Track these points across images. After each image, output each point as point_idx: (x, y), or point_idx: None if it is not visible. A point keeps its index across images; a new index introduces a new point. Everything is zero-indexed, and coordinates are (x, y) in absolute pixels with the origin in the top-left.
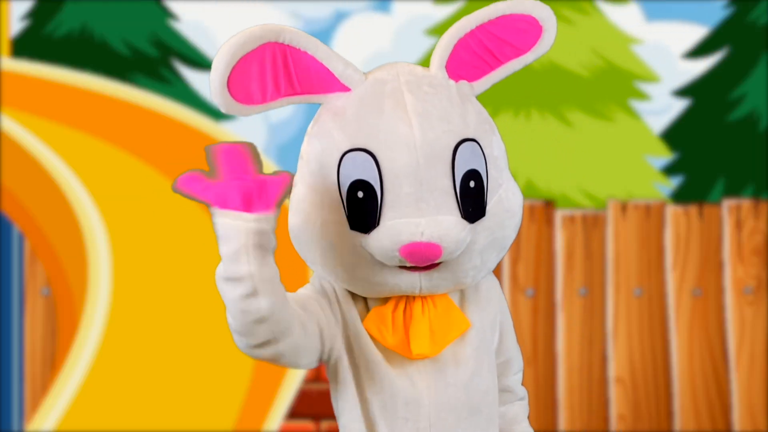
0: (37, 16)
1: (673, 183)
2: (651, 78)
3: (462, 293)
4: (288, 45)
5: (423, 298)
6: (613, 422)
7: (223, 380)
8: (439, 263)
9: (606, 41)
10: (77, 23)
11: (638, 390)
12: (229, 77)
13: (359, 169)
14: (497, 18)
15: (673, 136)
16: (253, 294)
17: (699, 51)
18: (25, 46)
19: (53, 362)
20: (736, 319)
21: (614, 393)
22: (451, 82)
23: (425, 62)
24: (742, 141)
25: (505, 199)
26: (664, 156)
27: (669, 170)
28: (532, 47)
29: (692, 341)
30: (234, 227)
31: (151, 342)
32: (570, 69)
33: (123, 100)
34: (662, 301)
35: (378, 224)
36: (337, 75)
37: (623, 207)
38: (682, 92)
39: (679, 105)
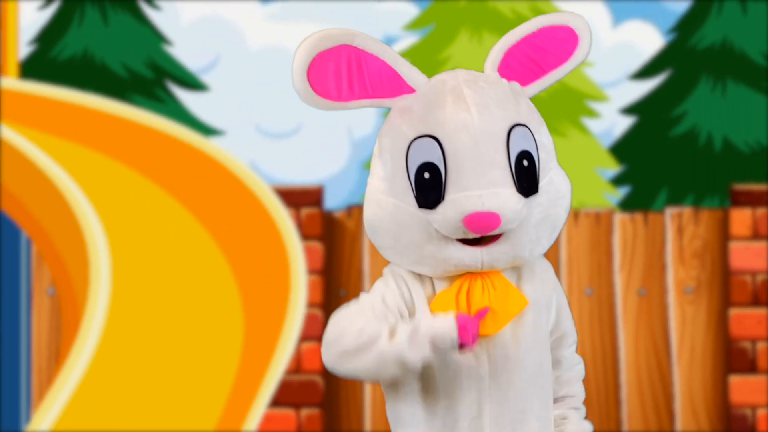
0: (43, 41)
1: (621, 193)
2: (600, 97)
3: (519, 274)
4: (361, 49)
5: (483, 279)
6: None
7: (211, 371)
8: (499, 236)
9: None
10: (80, 48)
11: (589, 381)
12: (308, 69)
13: (425, 152)
14: (539, 30)
15: (620, 150)
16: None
17: (644, 73)
18: (32, 68)
19: (58, 356)
20: (677, 316)
21: None
22: (504, 80)
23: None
24: (683, 155)
25: (556, 181)
26: (613, 168)
27: (617, 181)
28: (571, 56)
29: (638, 336)
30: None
31: (146, 337)
32: None
33: (121, 117)
34: (611, 300)
35: (443, 199)
36: (404, 77)
37: (575, 215)
38: (629, 110)
39: (626, 122)
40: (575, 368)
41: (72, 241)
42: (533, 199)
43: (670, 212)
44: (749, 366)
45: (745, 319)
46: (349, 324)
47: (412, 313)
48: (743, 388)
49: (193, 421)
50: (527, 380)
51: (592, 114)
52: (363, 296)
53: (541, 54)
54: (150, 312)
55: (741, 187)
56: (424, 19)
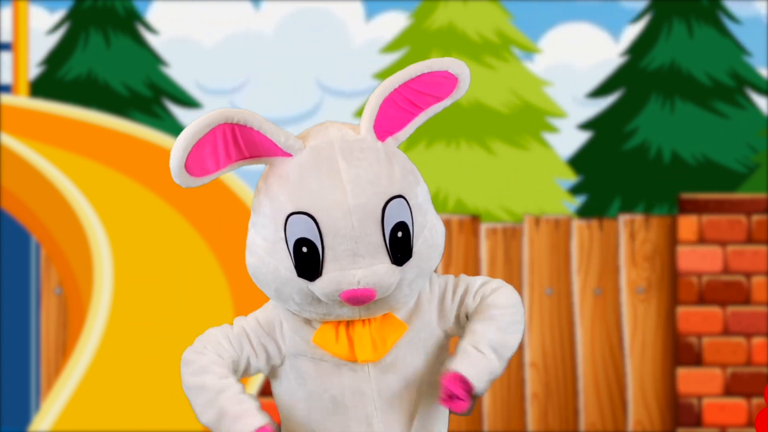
0: (51, 63)
1: (578, 201)
2: (559, 114)
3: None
4: (236, 123)
5: (361, 319)
6: (528, 399)
7: None
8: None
9: (522, 84)
10: (84, 69)
11: (549, 372)
12: (186, 161)
13: (302, 228)
14: (418, 76)
15: (577, 162)
16: None
17: (599, 92)
18: (41, 87)
19: (65, 350)
20: (630, 314)
21: (529, 375)
22: (379, 144)
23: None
24: (635, 166)
25: (429, 237)
26: (570, 179)
27: (574, 190)
28: (449, 95)
29: (593, 332)
30: None
31: (146, 332)
32: (492, 107)
33: (122, 132)
34: (569, 299)
35: (321, 274)
36: (279, 145)
37: (537, 221)
38: (585, 126)
39: (583, 136)
40: (484, 288)
41: (77, 245)
42: (408, 264)
43: (623, 219)
44: (695, 359)
45: (691, 317)
46: (194, 350)
47: (271, 345)
48: (690, 379)
49: (190, 408)
50: (412, 395)
51: (552, 129)
52: (236, 321)
53: (419, 97)
54: (149, 311)
55: (688, 196)
56: (398, 42)
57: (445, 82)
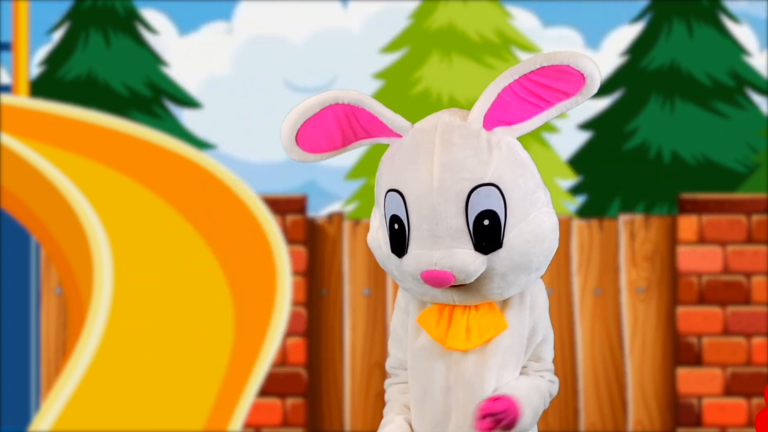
0: (51, 63)
1: (578, 201)
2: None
3: (507, 300)
4: (347, 104)
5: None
6: None
7: (205, 363)
8: (463, 284)
9: None
10: (84, 69)
11: None
12: (297, 136)
13: (395, 205)
14: (538, 69)
15: (577, 162)
16: None
17: (599, 91)
18: (41, 87)
19: (65, 350)
20: (630, 314)
21: None
22: (483, 131)
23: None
24: (635, 166)
25: (527, 232)
26: (571, 179)
27: (574, 190)
28: (578, 92)
29: (593, 332)
30: None
31: (145, 333)
32: None
33: (122, 132)
34: (569, 299)
35: (407, 251)
36: (387, 125)
37: None
38: (586, 126)
39: (583, 136)
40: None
41: (77, 245)
42: (496, 254)
43: (623, 219)
44: (695, 359)
45: (691, 317)
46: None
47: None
48: (690, 379)
49: (189, 407)
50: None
51: (552, 129)
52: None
53: (544, 89)
54: (149, 310)
55: (688, 196)
56: (398, 42)
57: (570, 77)
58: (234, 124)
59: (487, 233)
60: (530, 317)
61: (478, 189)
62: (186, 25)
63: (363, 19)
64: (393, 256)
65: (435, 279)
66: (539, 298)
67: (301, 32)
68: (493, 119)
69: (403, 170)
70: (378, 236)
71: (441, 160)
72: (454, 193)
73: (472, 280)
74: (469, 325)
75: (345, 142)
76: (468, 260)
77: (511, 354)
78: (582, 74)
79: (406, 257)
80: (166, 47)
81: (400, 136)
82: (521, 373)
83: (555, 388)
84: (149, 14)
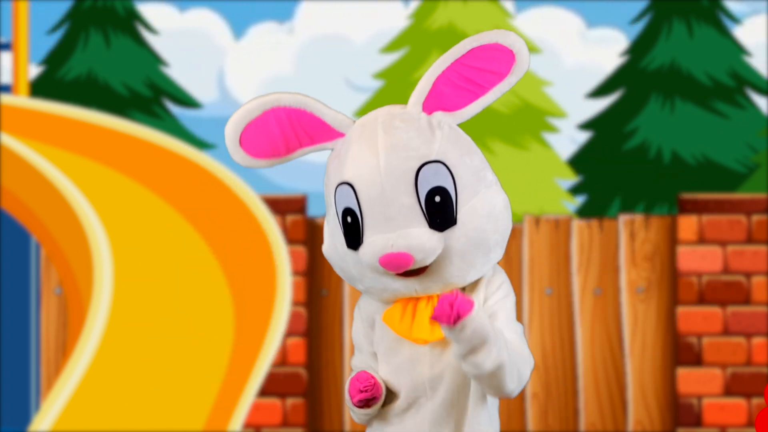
0: (51, 63)
1: (578, 201)
2: (559, 114)
3: (464, 288)
4: (289, 107)
5: (428, 295)
6: (528, 399)
7: (206, 362)
8: (425, 269)
9: (522, 84)
10: (84, 69)
11: (549, 372)
12: (240, 139)
13: (346, 198)
14: (468, 52)
15: (577, 162)
16: None
17: (599, 92)
18: (41, 87)
19: (65, 349)
20: (630, 313)
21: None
22: (423, 114)
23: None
24: (635, 166)
25: (480, 207)
26: (571, 179)
27: (574, 190)
28: (511, 69)
29: (593, 332)
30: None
31: (145, 333)
32: (492, 107)
33: (122, 132)
34: (569, 299)
35: (362, 242)
36: (330, 123)
37: (537, 221)
38: (586, 126)
39: (583, 136)
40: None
41: (77, 246)
42: (451, 231)
43: (623, 219)
44: (695, 359)
45: (691, 317)
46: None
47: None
48: (690, 379)
49: (189, 407)
50: (459, 383)
51: (552, 129)
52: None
53: (478, 73)
54: (149, 310)
55: (688, 196)
56: (399, 42)
57: (501, 56)
58: None
59: (439, 210)
60: (484, 296)
61: (426, 166)
62: (240, 26)
63: None
64: (350, 252)
65: (393, 262)
66: (496, 280)
67: (362, 31)
68: (432, 106)
69: (349, 162)
70: (334, 241)
71: (385, 144)
72: (401, 172)
73: (430, 260)
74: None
75: (288, 149)
76: (424, 238)
77: None
78: (511, 51)
79: (362, 247)
80: (223, 49)
81: (342, 134)
82: None
83: (521, 358)
84: (203, 14)
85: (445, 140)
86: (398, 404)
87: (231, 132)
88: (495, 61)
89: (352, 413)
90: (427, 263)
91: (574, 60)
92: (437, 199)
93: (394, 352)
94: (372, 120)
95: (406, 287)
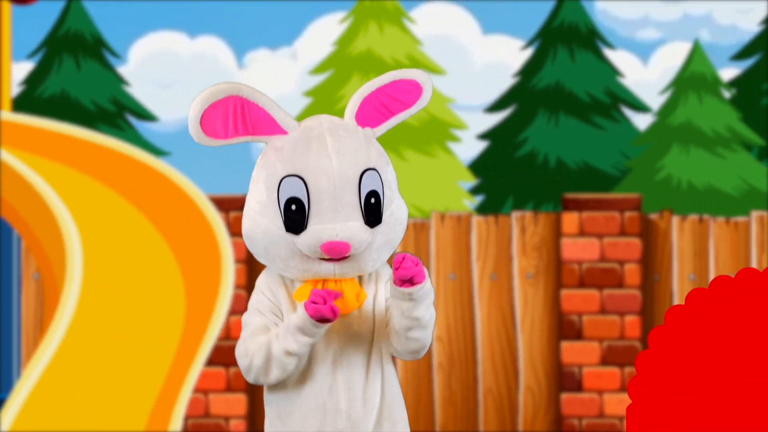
0: (30, 83)
1: (477, 200)
2: (461, 126)
3: (361, 276)
4: (245, 98)
5: (335, 279)
6: (435, 368)
7: (161, 336)
8: (348, 256)
9: (430, 101)
10: (59, 88)
11: (452, 345)
12: (201, 118)
13: (293, 189)
14: (391, 82)
15: (476, 167)
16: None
17: (495, 107)
18: (22, 103)
19: (42, 327)
20: (521, 295)
21: (435, 348)
22: (359, 128)
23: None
24: (525, 171)
25: (396, 211)
26: (471, 181)
27: (474, 191)
28: (415, 102)
29: (490, 311)
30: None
31: (111, 311)
32: (405, 121)
33: (91, 141)
34: (469, 283)
35: (306, 228)
36: (278, 121)
37: (442, 217)
38: (484, 136)
39: (481, 145)
40: None
41: (52, 237)
42: (377, 228)
43: (515, 215)
44: (576, 334)
45: (573, 298)
46: (244, 353)
47: (280, 310)
48: (572, 351)
49: (149, 370)
50: (367, 347)
51: (455, 139)
52: (246, 319)
53: (390, 101)
54: (114, 292)
55: (570, 195)
56: (324, 66)
57: (413, 90)
58: None
59: (373, 210)
60: (377, 284)
61: (367, 172)
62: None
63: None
64: (288, 235)
65: (335, 248)
66: (386, 270)
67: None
68: (359, 121)
69: (300, 158)
70: (263, 221)
71: (335, 148)
72: (350, 175)
73: (361, 250)
74: (345, 294)
75: (234, 134)
76: (361, 232)
77: (376, 316)
78: (421, 88)
79: (305, 233)
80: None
81: (285, 132)
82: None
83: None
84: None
85: (376, 152)
86: (310, 370)
87: (196, 108)
88: (407, 93)
89: (295, 344)
90: (359, 252)
91: (474, 79)
92: (372, 200)
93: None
94: (317, 125)
95: (327, 270)
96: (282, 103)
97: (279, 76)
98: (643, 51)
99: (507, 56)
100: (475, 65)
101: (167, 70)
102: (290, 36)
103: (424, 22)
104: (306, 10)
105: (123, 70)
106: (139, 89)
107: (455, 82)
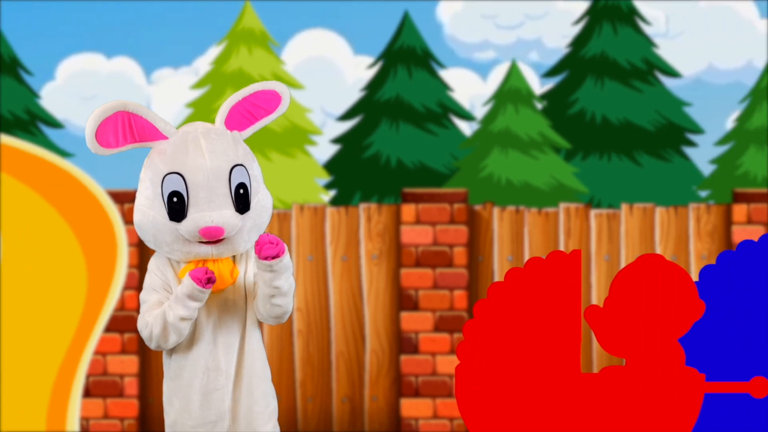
0: None
1: (331, 194)
2: (317, 132)
3: (235, 256)
4: (131, 112)
5: (213, 259)
6: (295, 334)
7: (67, 305)
8: (223, 239)
9: (291, 111)
10: None
11: (310, 315)
12: (96, 132)
13: (174, 184)
14: (254, 92)
15: (330, 166)
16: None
17: (346, 116)
18: None
19: None
20: (367, 273)
21: (296, 317)
22: (228, 131)
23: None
24: (371, 169)
25: (262, 200)
26: (325, 178)
27: (328, 186)
28: (276, 109)
29: (342, 286)
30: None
31: (25, 280)
32: (269, 127)
33: (8, 144)
34: (324, 263)
35: (186, 216)
36: (159, 129)
37: (301, 208)
38: (336, 140)
39: (334, 148)
40: None
41: None
42: (247, 215)
43: (362, 207)
44: (414, 305)
45: (411, 276)
46: (145, 325)
47: (170, 287)
48: (410, 320)
49: (56, 335)
50: (242, 315)
51: (312, 143)
52: (143, 296)
53: (254, 108)
54: (28, 266)
55: (409, 190)
56: (203, 82)
57: (273, 99)
58: None
59: (242, 199)
60: (248, 262)
61: (235, 167)
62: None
63: None
64: (172, 223)
65: (211, 232)
66: (253, 251)
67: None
68: (228, 125)
69: (180, 158)
70: (150, 213)
71: (208, 149)
72: (222, 171)
73: (233, 233)
74: (220, 272)
75: (125, 142)
76: (233, 218)
77: (246, 288)
78: (281, 97)
79: (186, 220)
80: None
81: (166, 138)
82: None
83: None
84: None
85: (243, 151)
86: (195, 336)
87: (91, 125)
88: (268, 102)
89: (185, 310)
90: (232, 235)
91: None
92: (241, 191)
93: None
94: (192, 130)
95: (205, 252)
96: (183, 113)
97: (180, 91)
98: (483, 69)
99: (366, 73)
100: (346, 80)
101: (89, 83)
102: (190, 56)
103: (302, 45)
104: (206, 34)
105: (51, 85)
106: (66, 101)
107: (324, 94)
